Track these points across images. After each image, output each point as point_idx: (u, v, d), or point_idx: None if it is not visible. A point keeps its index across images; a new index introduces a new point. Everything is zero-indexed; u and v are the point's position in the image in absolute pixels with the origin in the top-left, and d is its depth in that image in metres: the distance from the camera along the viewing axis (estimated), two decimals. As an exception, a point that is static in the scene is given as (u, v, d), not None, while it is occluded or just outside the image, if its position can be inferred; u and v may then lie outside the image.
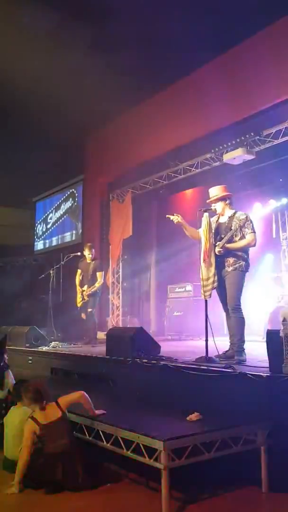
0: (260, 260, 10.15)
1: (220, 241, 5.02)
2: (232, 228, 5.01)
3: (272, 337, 3.94)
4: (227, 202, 5.20)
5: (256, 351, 5.14)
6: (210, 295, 5.00)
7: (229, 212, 5.18)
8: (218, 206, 5.21)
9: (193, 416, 3.60)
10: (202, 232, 5.03)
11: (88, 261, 8.22)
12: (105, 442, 3.64)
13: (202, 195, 10.43)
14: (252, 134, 7.90)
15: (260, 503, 3.40)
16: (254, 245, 5.05)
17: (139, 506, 3.34)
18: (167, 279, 10.73)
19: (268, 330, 4.45)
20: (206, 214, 5.07)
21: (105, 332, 6.42)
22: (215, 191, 5.26)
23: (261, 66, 7.26)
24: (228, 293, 5.00)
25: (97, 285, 7.95)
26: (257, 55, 7.34)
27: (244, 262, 4.99)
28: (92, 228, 11.14)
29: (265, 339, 4.19)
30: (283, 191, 10.22)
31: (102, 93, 8.17)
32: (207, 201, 5.30)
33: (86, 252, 8.24)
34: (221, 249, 4.94)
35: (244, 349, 4.90)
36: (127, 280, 11.09)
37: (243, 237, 4.99)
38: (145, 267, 11.39)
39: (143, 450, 3.21)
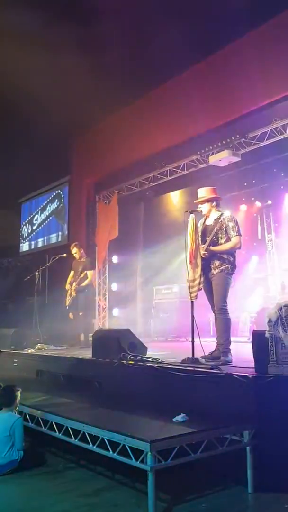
0: (245, 261, 10.24)
1: (205, 243, 5.04)
2: (218, 230, 5.03)
3: (258, 338, 3.96)
4: (213, 204, 5.22)
5: (242, 352, 5.17)
6: (196, 296, 5.01)
7: (215, 214, 5.20)
8: (205, 208, 5.23)
9: (179, 417, 3.61)
10: (189, 233, 5.04)
11: (78, 260, 8.21)
12: (91, 444, 3.62)
13: (188, 196, 10.51)
14: (238, 136, 7.96)
15: (246, 503, 3.41)
16: (239, 248, 5.07)
17: (126, 508, 3.32)
18: (154, 281, 10.75)
19: (253, 331, 4.48)
20: (192, 216, 5.09)
21: (91, 334, 6.39)
22: (203, 193, 5.27)
23: (246, 70, 7.31)
24: (215, 295, 5.03)
25: (85, 282, 7.91)
26: (242, 58, 7.39)
27: (229, 265, 5.01)
28: (78, 229, 11.08)
29: (250, 340, 4.21)
30: (268, 193, 10.34)
31: (89, 95, 8.15)
32: (195, 201, 5.32)
33: (74, 251, 8.22)
34: (205, 252, 4.96)
35: (230, 350, 4.92)
36: (113, 281, 11.06)
37: (228, 239, 5.01)
38: (132, 268, 11.39)
39: (129, 452, 3.20)
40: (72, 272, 8.22)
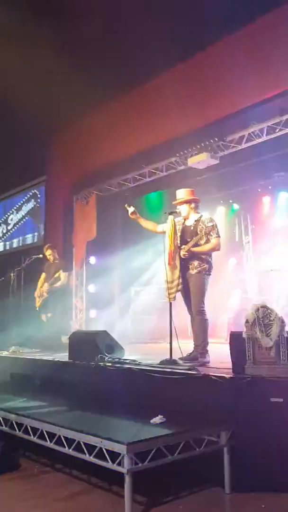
0: (223, 263, 10.31)
1: (185, 244, 5.05)
2: (198, 232, 5.05)
3: (235, 339, 3.98)
4: (192, 205, 5.24)
5: (219, 353, 5.18)
6: (174, 297, 5.02)
7: (194, 216, 5.22)
8: (183, 209, 5.25)
9: (157, 419, 3.58)
10: (167, 235, 5.05)
11: (51, 261, 8.08)
12: (67, 447, 3.56)
13: (167, 198, 10.51)
14: (216, 139, 8.01)
15: (223, 504, 3.41)
16: (219, 250, 5.11)
17: (103, 511, 3.28)
18: (132, 282, 10.71)
19: (231, 332, 4.50)
20: (171, 217, 5.11)
21: (68, 336, 6.32)
22: (182, 194, 5.29)
23: (224, 73, 7.37)
24: (192, 296, 5.04)
25: (58, 283, 7.79)
26: (221, 62, 7.44)
27: (207, 265, 5.04)
28: (55, 230, 10.96)
29: (228, 341, 4.22)
30: (246, 196, 10.44)
31: (67, 93, 8.06)
32: (173, 202, 5.32)
33: (47, 253, 8.10)
34: (186, 253, 4.97)
35: (207, 351, 4.93)
36: (90, 282, 10.98)
37: (208, 241, 5.03)
38: (110, 269, 11.32)
39: (106, 455, 3.16)
40: (43, 275, 8.08)
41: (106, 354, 5.10)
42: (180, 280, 4.97)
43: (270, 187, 10.04)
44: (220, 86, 7.46)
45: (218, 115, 7.79)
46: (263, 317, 3.84)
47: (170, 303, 5.01)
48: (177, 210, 5.22)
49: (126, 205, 5.38)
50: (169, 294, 5.02)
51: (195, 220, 5.17)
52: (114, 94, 8.84)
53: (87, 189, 10.63)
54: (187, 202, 5.23)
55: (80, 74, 7.60)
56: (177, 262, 5.00)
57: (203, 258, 5.03)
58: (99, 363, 4.94)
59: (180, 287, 4.99)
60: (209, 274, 5.09)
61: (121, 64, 7.88)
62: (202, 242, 5.02)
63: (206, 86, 7.67)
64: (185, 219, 5.28)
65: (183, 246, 5.03)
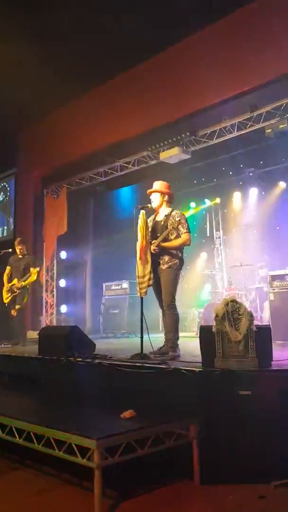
0: (194, 258, 10.40)
1: (156, 239, 5.05)
2: (168, 227, 5.06)
3: (205, 333, 4.02)
4: (165, 198, 5.24)
5: (190, 347, 5.23)
6: (145, 292, 5.02)
7: (165, 210, 5.24)
8: (156, 200, 5.24)
9: (127, 414, 3.58)
10: (139, 229, 5.04)
11: (20, 256, 7.94)
12: (36, 444, 3.52)
13: (139, 192, 10.51)
14: (188, 134, 8.05)
15: (192, 496, 3.44)
16: (189, 245, 5.13)
17: (72, 506, 3.27)
18: (103, 277, 10.68)
19: (201, 326, 4.53)
20: (142, 212, 5.09)
21: (38, 331, 6.24)
22: (157, 185, 5.29)
23: (197, 68, 7.39)
24: (163, 291, 5.05)
25: (29, 279, 7.69)
26: (193, 56, 7.46)
27: (178, 260, 5.07)
28: (25, 223, 10.79)
29: (198, 335, 4.26)
30: (217, 191, 10.54)
31: (37, 85, 7.93)
32: (148, 190, 5.33)
33: (18, 247, 7.96)
34: (156, 248, 4.98)
35: (178, 345, 4.97)
36: (61, 277, 10.88)
37: (178, 236, 5.05)
38: (81, 264, 11.26)
39: (76, 450, 3.14)
40: (8, 268, 7.93)
41: (77, 349, 5.06)
42: (152, 275, 4.98)
43: (241, 183, 10.16)
44: (192, 81, 7.48)
45: (189, 110, 7.83)
46: (232, 311, 3.88)
47: (142, 298, 5.01)
48: (148, 205, 5.21)
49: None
50: (140, 289, 5.02)
51: (165, 215, 5.18)
52: (86, 87, 8.75)
53: (57, 182, 10.52)
54: (162, 192, 5.23)
55: (51, 67, 7.49)
56: (149, 257, 5.00)
57: (174, 253, 5.05)
58: (70, 358, 4.90)
59: (151, 281, 4.99)
60: (180, 269, 5.12)
61: (92, 57, 7.79)
62: (172, 237, 5.04)
63: (177, 80, 7.69)
64: (156, 214, 5.29)
65: (153, 241, 5.04)
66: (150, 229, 5.13)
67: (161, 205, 5.24)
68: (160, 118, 8.18)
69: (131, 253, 5.24)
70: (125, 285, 9.88)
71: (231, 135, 7.81)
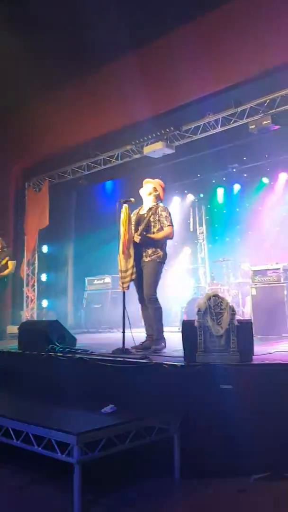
0: (177, 252, 10.40)
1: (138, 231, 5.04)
2: (151, 219, 5.07)
3: (187, 327, 4.00)
4: (155, 193, 5.25)
5: (172, 341, 5.22)
6: (128, 287, 5.00)
7: (151, 204, 5.24)
8: (146, 190, 5.25)
9: (108, 409, 3.56)
10: (121, 224, 5.02)
11: None
12: (15, 440, 3.47)
13: (122, 186, 10.46)
14: (172, 128, 8.02)
15: (172, 490, 3.44)
16: (172, 238, 5.15)
17: (52, 502, 3.23)
18: (85, 271, 10.62)
19: (183, 320, 4.53)
20: (125, 206, 5.07)
21: (17, 326, 6.17)
22: (154, 180, 5.34)
23: (181, 62, 7.34)
24: (145, 283, 5.04)
25: (5, 272, 7.58)
26: (178, 50, 7.40)
27: (162, 253, 5.07)
28: (6, 217, 10.60)
29: (180, 329, 4.25)
30: (201, 186, 10.55)
31: (18, 75, 7.79)
32: (145, 180, 5.34)
33: None
34: (139, 237, 4.97)
35: (163, 337, 4.97)
36: (43, 271, 10.77)
37: (161, 229, 5.07)
38: (63, 258, 11.16)
39: (55, 445, 3.10)
40: None
41: (57, 344, 5.01)
42: (134, 269, 4.97)
43: (224, 179, 10.19)
44: (176, 76, 7.44)
45: (173, 104, 7.80)
46: (214, 306, 3.88)
47: (124, 292, 4.98)
48: (131, 199, 5.18)
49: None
50: (122, 283, 5.00)
51: (150, 208, 5.19)
52: (69, 79, 8.61)
53: (39, 175, 10.40)
54: (155, 188, 5.25)
55: (33, 57, 7.36)
56: (131, 251, 4.99)
57: (158, 246, 5.04)
58: (50, 353, 4.85)
59: (134, 276, 4.98)
60: (163, 263, 5.12)
61: (75, 49, 7.68)
62: (155, 229, 5.06)
63: (162, 74, 7.64)
64: (140, 208, 5.29)
65: (136, 233, 5.03)
66: (134, 222, 5.11)
67: (148, 197, 5.24)
68: (144, 112, 8.11)
69: (114, 248, 5.21)
70: (107, 279, 9.84)
71: (215, 131, 7.80)
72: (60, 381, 4.60)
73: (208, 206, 10.80)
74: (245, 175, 9.76)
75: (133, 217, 5.21)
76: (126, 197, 5.21)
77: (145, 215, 5.15)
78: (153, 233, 5.04)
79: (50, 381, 4.69)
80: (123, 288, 4.99)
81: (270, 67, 6.72)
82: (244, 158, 9.31)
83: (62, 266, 11.11)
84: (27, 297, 10.43)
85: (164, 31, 7.51)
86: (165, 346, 4.92)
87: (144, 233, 5.00)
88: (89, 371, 4.40)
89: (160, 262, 5.06)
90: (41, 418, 3.47)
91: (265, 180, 9.76)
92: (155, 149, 8.22)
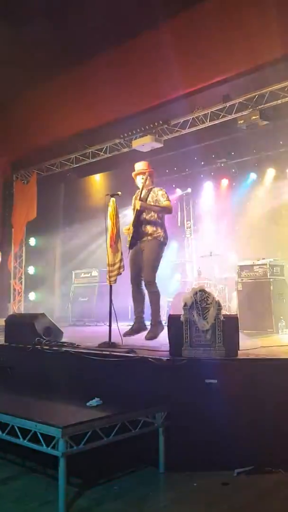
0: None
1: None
2: (149, 199, 5.21)
3: (173, 322, 4.03)
4: (149, 178, 5.33)
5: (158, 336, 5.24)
6: (115, 280, 5.01)
7: (148, 187, 5.35)
8: (140, 181, 5.35)
9: (93, 402, 3.57)
10: (109, 217, 5.01)
11: None
12: (0, 432, 3.47)
13: (110, 180, 10.42)
14: (161, 122, 8.00)
15: (157, 483, 3.47)
16: (170, 212, 5.29)
17: (35, 495, 3.24)
18: (73, 264, 10.58)
19: (169, 315, 4.55)
20: (113, 199, 5.06)
21: (4, 319, 6.13)
22: (140, 166, 5.41)
23: (170, 55, 7.29)
24: (146, 266, 5.09)
25: None
26: (167, 43, 7.36)
27: (162, 232, 5.16)
28: (-7, 208, 10.55)
29: (166, 324, 4.27)
30: (189, 181, 10.55)
31: (6, 69, 7.70)
32: (133, 173, 5.43)
33: None
34: (140, 202, 5.08)
35: (161, 322, 5.08)
36: (30, 264, 10.71)
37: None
38: (50, 251, 11.10)
39: (41, 438, 3.11)
40: None
41: (44, 337, 5.00)
42: (122, 263, 4.98)
43: (212, 173, 10.21)
44: (165, 70, 7.40)
45: (162, 98, 7.77)
46: (200, 300, 3.90)
47: (111, 286, 4.99)
48: (118, 193, 5.17)
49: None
50: (110, 277, 5.00)
51: (148, 190, 5.30)
52: (57, 71, 8.55)
53: (27, 168, 10.32)
54: (145, 173, 5.30)
55: (22, 50, 7.28)
56: (119, 245, 4.99)
57: (157, 224, 5.11)
58: (36, 346, 4.84)
59: (121, 270, 4.99)
60: (165, 244, 5.19)
61: (64, 41, 7.61)
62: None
63: (151, 68, 7.60)
64: (139, 193, 5.36)
65: (137, 200, 5.13)
66: (132, 206, 5.21)
67: (145, 184, 5.32)
68: (133, 106, 8.08)
69: (101, 241, 5.21)
70: (94, 273, 9.82)
71: (203, 125, 7.80)
72: (46, 374, 4.60)
73: (196, 200, 10.81)
74: (233, 170, 9.78)
75: (133, 201, 5.34)
76: (114, 191, 5.20)
77: (144, 196, 5.25)
78: (152, 213, 5.13)
79: (36, 374, 4.69)
80: (110, 282, 5.00)
81: (260, 63, 6.72)
82: (232, 153, 9.34)
83: (49, 259, 11.06)
84: (14, 289, 10.37)
85: (152, 24, 7.47)
86: (163, 329, 4.99)
87: (145, 202, 5.11)
88: (75, 365, 4.41)
89: (162, 243, 5.13)
90: (27, 411, 3.47)
91: (253, 175, 9.79)
92: (144, 143, 8.19)
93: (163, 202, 5.18)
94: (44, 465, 3.58)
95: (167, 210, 5.24)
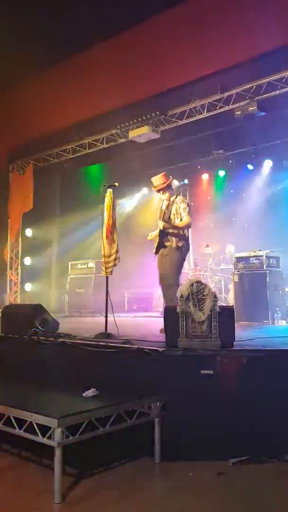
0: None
1: (163, 221, 5.49)
2: (172, 211, 5.49)
3: (169, 313, 4.04)
4: (168, 189, 5.66)
5: (154, 327, 5.26)
6: (111, 272, 5.00)
7: (169, 198, 5.62)
8: (164, 194, 5.66)
9: (89, 392, 3.58)
10: (105, 208, 5.00)
11: None
12: (-4, 423, 3.48)
13: (107, 170, 10.38)
14: (158, 113, 7.96)
15: (152, 473, 3.49)
16: (190, 227, 5.61)
17: (31, 485, 3.25)
18: (69, 255, 10.57)
19: (166, 306, 4.56)
20: (109, 190, 5.05)
21: (1, 309, 6.13)
22: (158, 181, 5.66)
23: (167, 46, 7.26)
24: (168, 271, 5.43)
25: None
26: (164, 34, 7.31)
27: (184, 242, 5.48)
28: (-11, 199, 10.50)
29: (163, 315, 4.28)
30: (186, 172, 10.53)
31: (3, 58, 7.62)
32: (153, 189, 5.77)
33: None
34: (163, 224, 5.40)
35: None
36: (26, 255, 10.69)
37: (181, 219, 5.46)
38: (47, 242, 11.08)
39: (37, 429, 3.12)
40: None
41: (40, 328, 5.01)
42: (118, 255, 4.98)
43: (209, 165, 10.17)
44: (162, 59, 7.37)
45: (159, 89, 7.73)
46: (197, 292, 3.90)
47: (107, 277, 5.00)
48: (115, 184, 5.15)
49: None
50: (106, 268, 5.00)
51: (170, 202, 5.61)
52: (53, 61, 8.45)
53: (24, 158, 10.26)
54: (162, 189, 5.62)
55: (18, 41, 7.20)
56: (115, 236, 4.98)
57: (179, 235, 5.42)
58: (32, 336, 4.84)
59: (117, 261, 4.99)
60: (187, 251, 5.55)
61: (60, 30, 7.53)
62: (177, 220, 5.46)
63: (148, 58, 7.55)
64: (162, 204, 5.73)
65: (160, 221, 5.50)
66: (158, 215, 5.62)
67: (165, 194, 5.63)
68: (130, 96, 8.03)
69: (98, 232, 5.21)
70: (91, 264, 9.82)
71: (201, 116, 7.76)
72: (43, 365, 4.61)
73: (193, 192, 10.79)
74: (230, 161, 9.76)
75: (158, 212, 5.74)
76: (110, 182, 5.18)
77: (167, 206, 5.58)
78: (174, 223, 5.44)
79: (32, 364, 4.70)
80: (106, 273, 4.99)
81: (257, 53, 6.68)
82: (230, 145, 9.30)
83: (45, 250, 11.04)
84: (11, 280, 10.36)
85: (150, 14, 7.39)
86: None
87: (165, 224, 5.44)
88: (71, 355, 4.42)
89: (183, 250, 5.44)
90: (23, 401, 3.48)
91: (250, 166, 9.77)
92: (141, 133, 8.16)
93: (184, 218, 5.46)
94: (39, 455, 3.59)
95: (188, 226, 5.51)
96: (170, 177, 5.86)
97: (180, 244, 5.43)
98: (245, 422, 3.56)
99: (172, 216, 5.49)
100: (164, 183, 5.62)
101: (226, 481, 3.26)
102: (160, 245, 5.49)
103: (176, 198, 5.63)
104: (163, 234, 5.47)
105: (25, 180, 10.09)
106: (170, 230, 5.45)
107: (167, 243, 5.46)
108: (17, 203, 10.13)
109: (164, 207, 5.66)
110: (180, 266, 5.51)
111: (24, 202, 9.98)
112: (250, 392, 3.61)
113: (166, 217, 5.53)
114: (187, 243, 5.56)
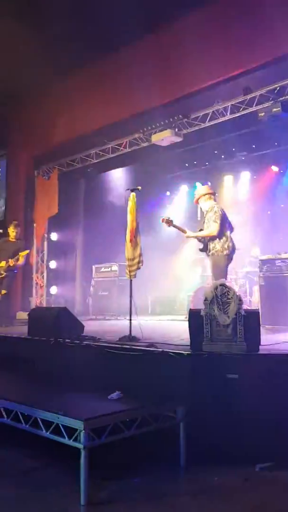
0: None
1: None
2: (206, 218, 5.75)
3: (194, 316, 4.02)
4: (209, 197, 5.93)
5: (179, 330, 5.25)
6: (135, 275, 5.02)
7: (209, 204, 5.86)
8: (205, 203, 5.92)
9: (114, 395, 3.60)
10: (129, 212, 5.02)
11: (12, 240, 7.86)
12: (23, 424, 3.53)
13: (130, 174, 10.43)
14: (180, 116, 7.96)
15: (177, 477, 3.48)
16: (214, 235, 5.66)
17: (57, 486, 3.29)
18: (93, 259, 10.65)
19: (190, 309, 4.55)
20: (133, 194, 5.08)
21: (28, 312, 6.23)
22: (202, 191, 6.02)
23: (190, 49, 7.28)
24: (212, 275, 5.60)
25: (18, 262, 7.63)
26: (187, 37, 7.34)
27: (220, 247, 5.63)
28: (16, 205, 10.69)
29: (187, 318, 4.27)
30: (209, 174, 10.49)
31: (29, 64, 7.76)
32: (194, 200, 6.07)
33: (11, 230, 7.88)
34: (186, 234, 5.85)
35: None
36: (52, 259, 10.83)
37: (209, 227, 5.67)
38: (71, 246, 11.21)
39: (63, 431, 3.15)
40: None
41: (66, 331, 5.06)
42: (141, 258, 5.00)
43: (233, 167, 10.11)
44: (184, 63, 7.38)
45: (182, 92, 7.73)
46: (221, 295, 3.88)
47: (131, 281, 5.02)
48: (138, 188, 5.18)
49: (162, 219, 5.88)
50: (129, 271, 5.02)
51: (207, 209, 5.82)
52: (77, 68, 8.59)
53: (48, 163, 10.41)
54: (205, 195, 5.92)
55: (44, 47, 7.33)
56: (138, 240, 5.01)
57: (221, 241, 5.61)
58: (58, 339, 4.90)
59: (141, 264, 5.01)
60: (229, 255, 5.66)
61: (85, 37, 7.63)
62: (207, 227, 5.70)
63: (170, 62, 7.58)
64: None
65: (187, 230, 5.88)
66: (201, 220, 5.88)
67: (206, 203, 5.88)
68: (152, 100, 8.06)
69: (122, 236, 5.23)
70: (114, 267, 9.87)
71: (223, 118, 7.72)
72: (68, 367, 4.66)
73: (216, 194, 10.72)
74: (254, 163, 9.67)
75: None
76: (134, 186, 5.21)
77: (204, 214, 5.87)
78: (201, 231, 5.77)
79: (58, 367, 4.76)
80: (130, 276, 5.02)
81: (281, 54, 6.61)
82: (253, 146, 9.23)
83: (70, 253, 11.16)
84: (36, 284, 10.51)
85: (174, 18, 7.43)
86: None
87: (187, 234, 5.84)
88: (96, 358, 4.45)
89: (225, 255, 5.59)
90: (49, 403, 3.52)
91: (274, 168, 9.66)
92: (163, 137, 8.17)
93: (210, 227, 5.65)
94: (66, 457, 3.63)
95: (210, 235, 5.65)
96: (209, 189, 6.12)
97: (220, 248, 5.64)
98: (271, 427, 3.52)
99: (205, 225, 5.76)
100: (202, 194, 5.94)
101: (252, 487, 3.22)
102: (204, 251, 5.86)
103: (213, 207, 5.78)
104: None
105: (50, 185, 10.24)
106: (196, 238, 5.82)
107: (208, 250, 5.76)
108: (42, 207, 10.29)
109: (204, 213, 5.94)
110: (222, 273, 5.62)
111: (49, 206, 10.12)
112: (277, 397, 3.56)
113: (202, 226, 5.84)
114: (228, 248, 5.66)
